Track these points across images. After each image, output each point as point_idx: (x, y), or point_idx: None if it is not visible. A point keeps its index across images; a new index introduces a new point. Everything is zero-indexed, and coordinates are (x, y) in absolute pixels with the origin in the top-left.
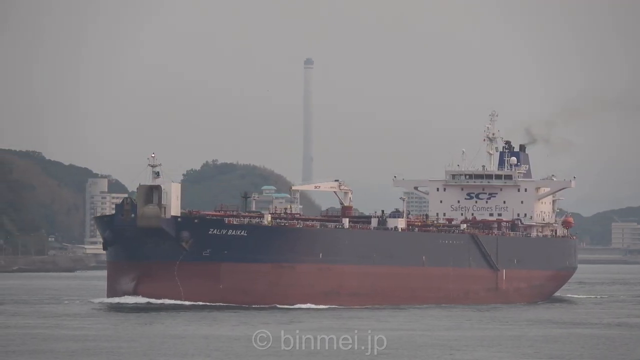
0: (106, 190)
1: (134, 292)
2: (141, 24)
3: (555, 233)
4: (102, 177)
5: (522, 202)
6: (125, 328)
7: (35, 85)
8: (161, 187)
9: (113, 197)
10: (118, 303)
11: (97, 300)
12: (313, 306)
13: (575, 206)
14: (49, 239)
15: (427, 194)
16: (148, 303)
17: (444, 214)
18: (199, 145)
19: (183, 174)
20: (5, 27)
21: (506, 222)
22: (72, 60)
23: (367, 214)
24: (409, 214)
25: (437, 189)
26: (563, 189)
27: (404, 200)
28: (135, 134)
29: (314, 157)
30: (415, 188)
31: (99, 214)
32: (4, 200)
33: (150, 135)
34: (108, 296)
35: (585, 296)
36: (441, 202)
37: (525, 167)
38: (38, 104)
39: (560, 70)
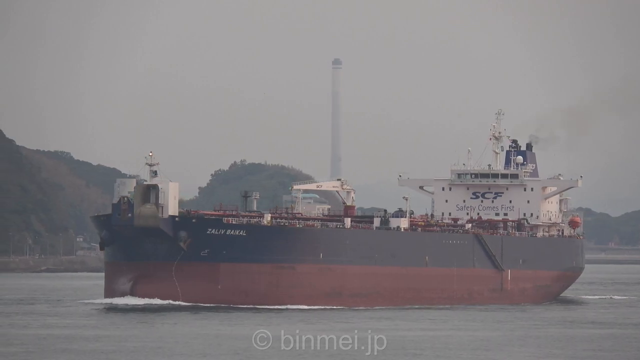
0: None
1: (131, 293)
2: (166, 26)
3: (562, 233)
4: (131, 177)
5: (528, 201)
6: (120, 329)
7: (58, 85)
8: (158, 187)
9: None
10: (110, 304)
11: (94, 301)
12: (314, 307)
13: (604, 206)
14: (77, 239)
15: (433, 193)
16: (132, 305)
17: (450, 214)
18: (227, 145)
19: (211, 174)
20: (11, 27)
21: (512, 221)
22: (91, 59)
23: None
24: (412, 213)
25: (443, 189)
26: (570, 188)
27: (407, 199)
28: (164, 134)
29: (342, 157)
30: (421, 187)
31: None
32: (32, 201)
33: (178, 136)
34: (105, 297)
35: (598, 297)
36: (447, 201)
37: (532, 166)
38: (62, 103)
39: (564, 70)
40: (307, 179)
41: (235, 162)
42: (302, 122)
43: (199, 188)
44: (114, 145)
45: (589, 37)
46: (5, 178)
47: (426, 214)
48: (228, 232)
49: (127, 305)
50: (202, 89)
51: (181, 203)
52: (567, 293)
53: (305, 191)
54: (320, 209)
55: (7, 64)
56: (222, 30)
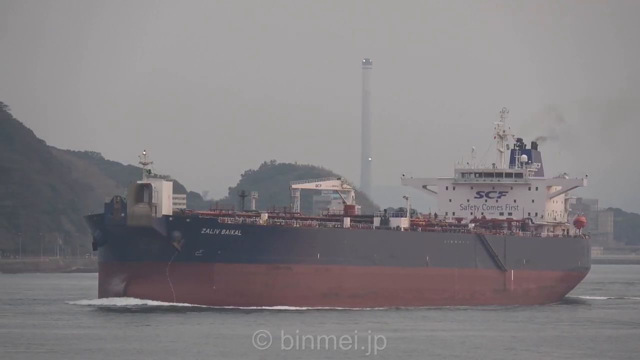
0: None
1: (125, 294)
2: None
3: (567, 233)
4: (160, 177)
5: (532, 200)
6: (119, 329)
7: (83, 84)
8: (152, 186)
9: (172, 198)
10: (93, 305)
11: (88, 302)
12: (311, 308)
13: (635, 206)
14: None
15: (437, 193)
16: (124, 305)
17: (453, 213)
18: (257, 145)
19: (241, 174)
20: (11, 27)
21: (516, 221)
22: (92, 59)
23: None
24: (413, 213)
25: (446, 188)
26: (575, 187)
27: (407, 199)
28: (194, 135)
29: (372, 157)
30: (424, 187)
31: None
32: (63, 201)
33: (207, 137)
34: (99, 297)
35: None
36: (450, 201)
37: (537, 165)
38: (89, 103)
39: (567, 69)
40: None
41: (265, 162)
42: (332, 122)
43: (229, 188)
44: (141, 146)
45: (591, 37)
46: (35, 178)
47: (429, 214)
48: (223, 232)
49: (118, 306)
50: (229, 91)
51: (211, 203)
52: (573, 294)
53: (334, 191)
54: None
55: (7, 64)
56: (253, 31)
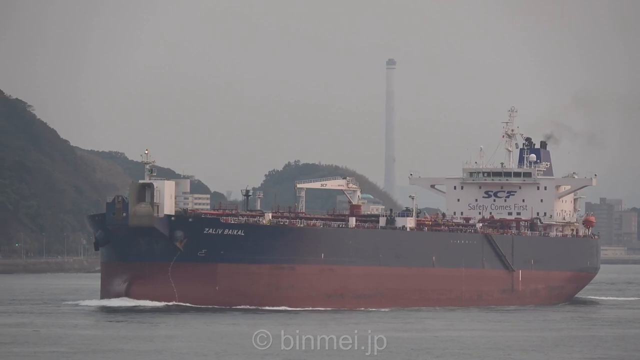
0: (188, 190)
1: (126, 294)
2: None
3: (577, 233)
4: (185, 177)
5: (541, 200)
6: (119, 330)
7: (59, 85)
8: (154, 185)
9: (195, 198)
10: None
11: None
12: (315, 309)
13: None
14: None
15: (444, 192)
16: (126, 306)
17: (462, 213)
18: (281, 146)
19: (265, 175)
20: (11, 27)
21: (525, 221)
22: (92, 59)
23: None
24: (419, 212)
25: (454, 187)
26: (584, 187)
27: (413, 198)
28: (218, 135)
29: (396, 157)
30: (432, 186)
31: None
32: (87, 201)
33: (232, 137)
34: (101, 298)
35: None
36: (458, 200)
37: (546, 165)
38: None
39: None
40: (362, 179)
41: (289, 162)
42: (356, 122)
43: (252, 188)
44: (165, 146)
45: (593, 37)
46: (60, 178)
47: (437, 214)
48: (226, 231)
49: (121, 306)
50: (254, 91)
51: (235, 203)
52: (583, 294)
53: (361, 192)
54: (374, 210)
55: (6, 64)
56: (278, 31)
